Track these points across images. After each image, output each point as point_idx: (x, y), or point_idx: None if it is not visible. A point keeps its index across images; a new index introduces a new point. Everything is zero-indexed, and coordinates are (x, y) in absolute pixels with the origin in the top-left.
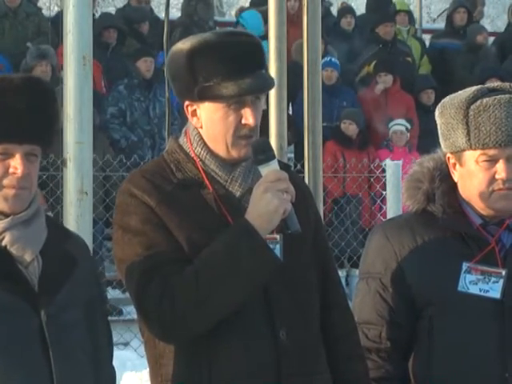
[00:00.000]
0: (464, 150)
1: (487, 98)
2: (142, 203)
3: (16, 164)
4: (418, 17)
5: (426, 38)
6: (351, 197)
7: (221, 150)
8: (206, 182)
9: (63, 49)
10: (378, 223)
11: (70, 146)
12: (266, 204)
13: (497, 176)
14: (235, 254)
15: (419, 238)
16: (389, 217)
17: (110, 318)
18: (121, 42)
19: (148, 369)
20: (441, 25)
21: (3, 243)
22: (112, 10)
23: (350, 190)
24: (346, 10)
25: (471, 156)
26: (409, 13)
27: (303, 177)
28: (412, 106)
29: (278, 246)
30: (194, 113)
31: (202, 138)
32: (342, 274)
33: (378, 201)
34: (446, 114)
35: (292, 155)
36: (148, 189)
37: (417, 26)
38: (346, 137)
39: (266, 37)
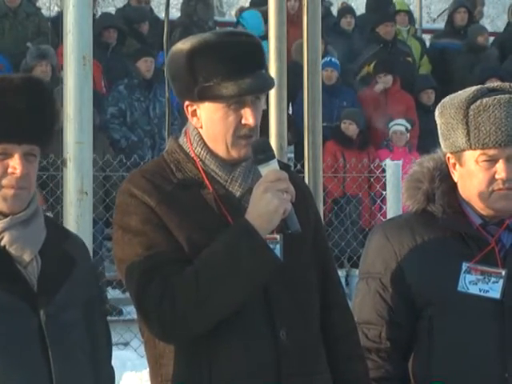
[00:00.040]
0: (464, 150)
1: (487, 98)
2: (142, 203)
3: (15, 164)
4: (418, 17)
5: (426, 38)
6: (351, 197)
7: (221, 150)
8: (206, 182)
9: (63, 49)
10: (378, 223)
11: (70, 146)
12: (266, 204)
13: (497, 176)
14: (235, 254)
15: (419, 238)
16: (389, 217)
17: (109, 318)
18: (121, 41)
19: (148, 369)
20: (441, 25)
21: (2, 243)
22: (112, 10)
23: (349, 190)
24: (346, 9)
25: (471, 156)
26: (409, 13)
27: (303, 177)
28: (412, 106)
29: (278, 246)
30: (194, 113)
31: (201, 138)
32: (341, 274)
33: (378, 201)
34: (446, 113)
35: (292, 155)
36: (148, 189)
37: (417, 25)
38: (346, 137)
39: (266, 37)
